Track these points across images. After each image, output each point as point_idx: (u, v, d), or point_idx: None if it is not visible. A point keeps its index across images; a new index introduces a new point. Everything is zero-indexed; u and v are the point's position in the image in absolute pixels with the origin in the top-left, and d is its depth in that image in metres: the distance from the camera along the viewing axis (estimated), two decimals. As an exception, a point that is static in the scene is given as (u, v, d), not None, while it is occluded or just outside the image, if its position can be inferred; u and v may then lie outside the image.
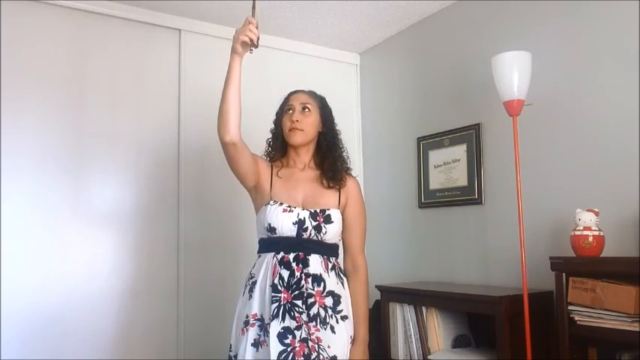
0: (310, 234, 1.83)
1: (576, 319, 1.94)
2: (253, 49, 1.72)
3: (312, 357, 1.72)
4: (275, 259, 1.81)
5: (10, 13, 2.55)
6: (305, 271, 1.79)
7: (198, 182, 2.97)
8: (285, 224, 1.81)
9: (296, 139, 1.90)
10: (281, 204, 1.84)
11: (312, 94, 1.99)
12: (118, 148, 2.78)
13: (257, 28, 1.69)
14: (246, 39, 1.68)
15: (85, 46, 2.74)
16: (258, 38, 1.69)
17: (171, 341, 2.83)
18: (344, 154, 2.00)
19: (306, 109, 1.92)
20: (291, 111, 1.92)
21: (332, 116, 2.00)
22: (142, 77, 2.89)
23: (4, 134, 2.50)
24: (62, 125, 2.64)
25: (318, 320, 1.76)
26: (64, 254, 2.60)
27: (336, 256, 1.92)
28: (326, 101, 2.01)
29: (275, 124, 2.00)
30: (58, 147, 2.62)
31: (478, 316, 2.51)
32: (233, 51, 1.72)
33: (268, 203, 1.85)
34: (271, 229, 1.83)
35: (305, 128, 1.90)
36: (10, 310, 2.44)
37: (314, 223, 1.83)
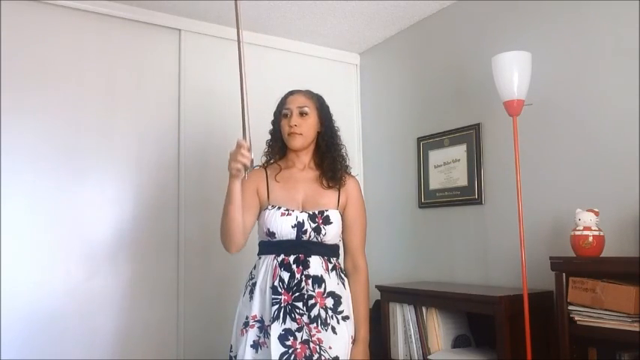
0: (310, 236, 1.82)
1: (576, 319, 1.94)
2: (249, 170, 1.68)
3: (314, 358, 1.72)
4: (275, 261, 1.81)
5: (10, 13, 2.55)
6: (305, 272, 1.79)
7: (199, 182, 2.97)
8: (284, 228, 1.81)
9: (295, 143, 1.89)
10: (279, 208, 1.84)
11: (309, 95, 1.96)
12: (118, 148, 2.78)
13: (249, 150, 1.64)
14: (239, 166, 1.65)
15: (85, 46, 2.74)
16: (252, 161, 1.65)
17: (171, 341, 2.83)
18: (343, 151, 1.98)
19: (304, 113, 1.89)
20: (289, 115, 1.91)
21: (330, 114, 1.98)
22: (141, 77, 2.89)
23: (4, 134, 2.50)
24: (62, 125, 2.64)
25: (319, 321, 1.76)
26: (64, 254, 2.59)
27: (337, 256, 1.91)
28: (323, 100, 1.99)
29: (273, 125, 1.98)
30: (57, 147, 2.62)
31: (478, 316, 2.51)
32: (230, 175, 1.71)
33: (267, 208, 1.85)
34: (271, 234, 1.83)
35: (304, 132, 1.89)
36: (10, 309, 2.44)
37: (313, 225, 1.83)
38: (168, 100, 2.95)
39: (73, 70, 2.70)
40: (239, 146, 1.65)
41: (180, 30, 3.00)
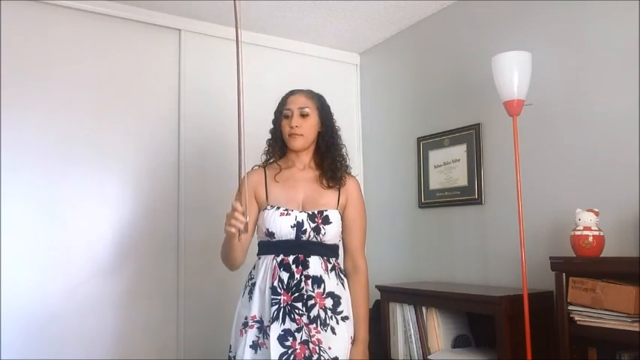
0: (309, 236, 1.82)
1: (576, 319, 1.94)
2: (243, 233, 1.67)
3: (314, 359, 1.72)
4: (275, 261, 1.81)
5: (10, 13, 2.55)
6: (305, 273, 1.79)
7: (199, 182, 2.97)
8: (283, 228, 1.81)
9: (296, 144, 1.89)
10: (278, 208, 1.84)
11: (310, 94, 1.96)
12: (118, 148, 2.78)
13: (244, 214, 1.62)
14: (233, 230, 1.63)
15: (85, 45, 2.74)
16: (246, 224, 1.63)
17: (171, 341, 2.83)
18: (343, 151, 1.98)
19: (305, 114, 1.89)
20: (289, 116, 1.90)
21: (331, 114, 1.98)
22: (141, 77, 2.89)
23: (5, 133, 2.50)
24: (61, 125, 2.64)
25: (319, 322, 1.76)
26: (64, 254, 2.60)
27: (336, 256, 1.91)
28: (324, 99, 1.99)
29: (274, 124, 1.98)
30: (57, 146, 2.62)
31: (478, 316, 2.51)
32: (226, 235, 1.73)
33: (266, 208, 1.85)
34: (270, 234, 1.82)
35: (305, 133, 1.88)
36: (10, 309, 2.44)
37: (312, 225, 1.82)
38: (168, 100, 2.95)
39: (72, 70, 2.69)
40: (234, 210, 1.62)
41: (180, 30, 3.00)
